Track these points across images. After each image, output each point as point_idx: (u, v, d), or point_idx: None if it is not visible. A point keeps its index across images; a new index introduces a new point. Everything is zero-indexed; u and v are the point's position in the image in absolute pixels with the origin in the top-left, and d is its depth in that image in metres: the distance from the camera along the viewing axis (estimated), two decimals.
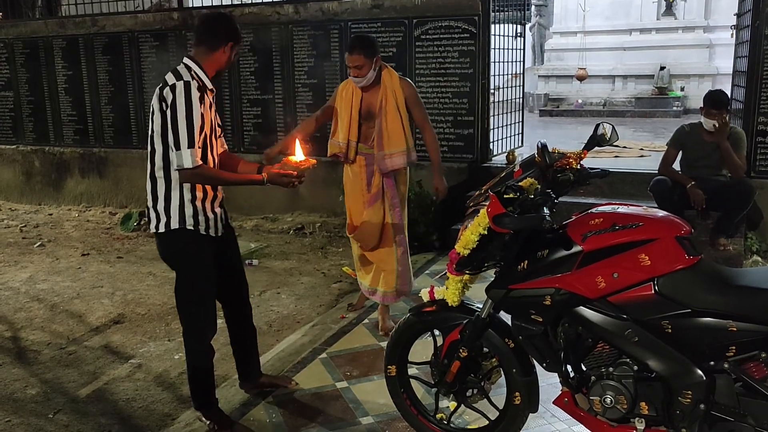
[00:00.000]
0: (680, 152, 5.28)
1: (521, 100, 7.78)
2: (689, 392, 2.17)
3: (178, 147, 2.79)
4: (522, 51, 7.69)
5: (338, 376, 3.65)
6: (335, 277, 5.64)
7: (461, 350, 2.67)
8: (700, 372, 2.16)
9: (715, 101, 5.00)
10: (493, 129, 6.91)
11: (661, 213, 2.39)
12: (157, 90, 2.87)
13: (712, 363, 2.17)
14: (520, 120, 7.68)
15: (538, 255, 2.39)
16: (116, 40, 8.17)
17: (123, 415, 3.54)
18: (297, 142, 3.01)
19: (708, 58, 13.63)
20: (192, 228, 2.96)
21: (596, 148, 2.63)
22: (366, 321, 4.43)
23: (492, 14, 6.60)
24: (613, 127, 2.59)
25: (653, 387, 2.25)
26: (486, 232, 2.41)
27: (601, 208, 2.41)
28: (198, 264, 3.05)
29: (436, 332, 2.89)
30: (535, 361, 2.58)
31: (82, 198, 8.71)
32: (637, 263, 2.21)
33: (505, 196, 2.34)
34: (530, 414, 2.71)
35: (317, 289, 5.39)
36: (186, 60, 2.96)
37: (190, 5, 8.71)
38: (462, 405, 2.82)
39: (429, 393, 3.15)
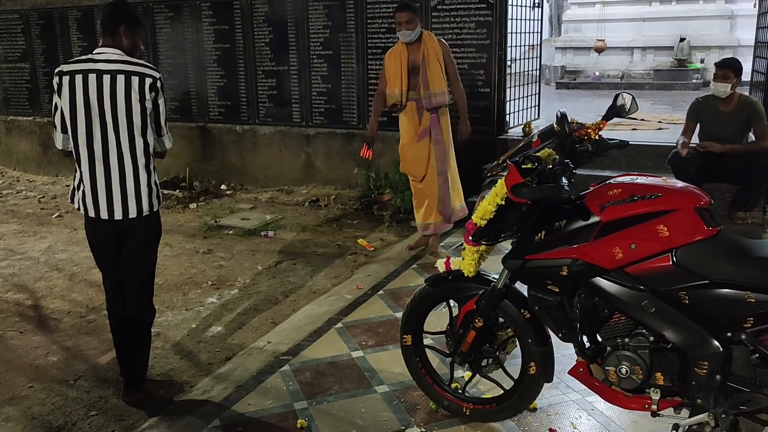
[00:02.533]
0: (698, 124, 5.23)
1: (538, 72, 7.70)
2: (705, 363, 2.17)
3: (168, 130, 3.19)
4: (539, 22, 7.58)
5: (354, 346, 3.68)
6: (350, 249, 5.66)
7: (477, 320, 2.69)
8: (716, 343, 2.16)
9: (720, 62, 4.99)
10: (510, 101, 6.85)
11: (681, 184, 2.37)
12: (144, 80, 2.99)
13: (729, 334, 2.16)
14: (537, 92, 7.62)
15: (556, 225, 2.38)
16: None
17: None
18: None
19: (729, 29, 13.37)
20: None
21: (613, 121, 2.60)
22: (381, 292, 4.45)
23: None
24: (633, 97, 2.56)
25: (669, 358, 2.25)
26: (503, 203, 2.41)
27: (619, 179, 2.40)
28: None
29: (452, 302, 2.90)
30: (550, 331, 2.59)
31: None
32: (656, 234, 2.20)
33: (523, 166, 2.33)
34: (545, 384, 2.73)
35: (332, 260, 5.41)
36: (117, 51, 3.04)
37: None
38: (477, 374, 2.85)
39: (444, 362, 3.19)
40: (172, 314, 4.47)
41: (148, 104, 3.02)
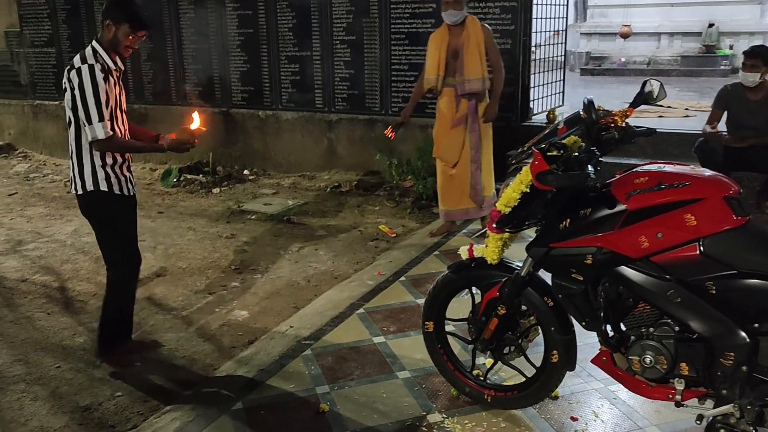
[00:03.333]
0: (725, 113, 5.14)
1: (562, 58, 7.62)
2: (732, 354, 2.15)
3: (90, 121, 3.22)
4: (565, 7, 7.49)
5: (375, 331, 3.69)
6: (372, 235, 5.67)
7: (500, 308, 2.68)
8: (743, 334, 2.14)
9: (748, 51, 4.90)
10: (534, 87, 6.78)
11: (709, 172, 2.34)
12: (65, 72, 3.29)
13: (756, 325, 2.13)
14: (561, 78, 7.53)
15: (581, 213, 2.36)
16: None
17: (166, 364, 3.65)
18: (195, 112, 3.48)
19: (759, 14, 13.08)
20: (106, 189, 3.38)
21: (639, 108, 2.56)
22: (402, 278, 4.46)
23: None
24: (661, 84, 2.51)
25: (694, 348, 2.23)
26: (528, 190, 2.39)
27: (646, 167, 2.37)
28: (113, 218, 3.50)
29: (475, 290, 2.90)
30: (573, 319, 2.58)
31: None
32: (683, 223, 2.17)
33: (548, 153, 2.31)
34: (567, 372, 2.72)
35: (354, 246, 5.43)
36: (93, 43, 3.34)
37: None
38: (499, 362, 2.85)
39: (466, 349, 3.19)
40: (195, 298, 4.52)
41: (68, 93, 3.27)
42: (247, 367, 3.40)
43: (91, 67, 3.20)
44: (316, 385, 3.16)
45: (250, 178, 7.87)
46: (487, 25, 5.14)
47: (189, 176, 7.78)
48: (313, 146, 7.69)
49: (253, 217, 6.32)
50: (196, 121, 3.46)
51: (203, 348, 3.82)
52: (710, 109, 5.31)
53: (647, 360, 2.29)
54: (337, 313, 3.95)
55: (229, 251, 5.39)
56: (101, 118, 3.21)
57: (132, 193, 3.53)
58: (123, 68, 3.48)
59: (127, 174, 3.49)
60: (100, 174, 3.35)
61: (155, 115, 8.51)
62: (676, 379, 2.29)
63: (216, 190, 7.37)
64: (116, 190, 3.41)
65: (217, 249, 5.44)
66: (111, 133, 3.26)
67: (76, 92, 3.22)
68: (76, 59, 3.27)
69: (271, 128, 7.92)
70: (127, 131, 3.50)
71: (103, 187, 3.37)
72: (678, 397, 2.29)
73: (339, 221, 6.13)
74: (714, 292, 2.15)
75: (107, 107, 3.24)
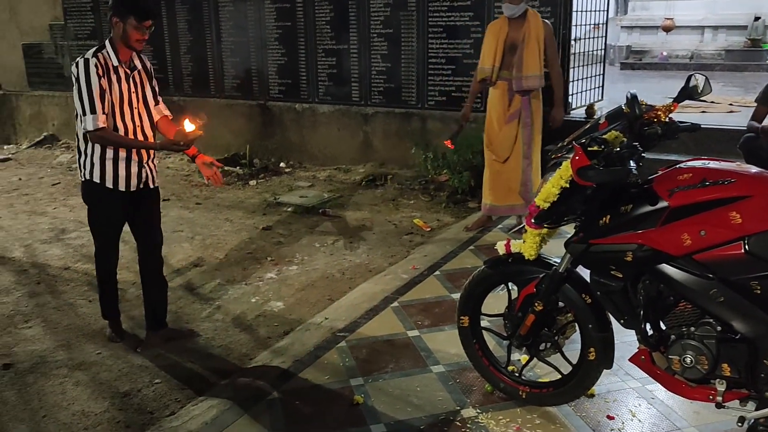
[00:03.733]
0: None
1: (602, 51, 7.49)
2: None
3: (84, 113, 3.30)
4: None
5: (410, 325, 3.70)
6: (406, 229, 5.67)
7: (536, 304, 2.66)
8: None
9: None
10: (573, 81, 6.69)
11: (755, 169, 2.27)
12: (71, 66, 3.43)
13: None
14: (601, 73, 7.42)
15: (622, 210, 2.33)
16: None
17: (203, 353, 3.71)
18: (187, 120, 3.44)
19: None
20: (98, 181, 3.46)
21: (682, 103, 2.50)
22: (437, 273, 4.45)
23: None
24: (706, 78, 2.46)
25: (737, 348, 2.18)
26: (568, 185, 2.36)
27: (690, 163, 2.32)
28: (101, 210, 3.60)
29: (511, 285, 2.88)
30: (611, 317, 2.54)
31: None
32: (727, 221, 2.12)
33: (589, 148, 2.28)
34: (604, 370, 2.69)
35: (389, 239, 5.43)
36: (105, 40, 3.43)
37: None
38: (534, 358, 2.83)
39: (501, 345, 3.18)
40: (232, 288, 4.57)
41: (73, 86, 3.35)
42: (282, 357, 3.44)
43: (86, 61, 3.29)
44: (351, 377, 3.17)
45: (287, 170, 7.92)
46: (548, 22, 5.06)
47: (226, 168, 7.85)
48: (349, 139, 7.71)
49: (289, 209, 6.37)
50: (188, 125, 3.39)
51: (239, 338, 3.87)
52: (755, 104, 5.17)
53: (688, 360, 2.25)
54: (372, 306, 3.96)
55: (266, 243, 5.44)
56: (93, 111, 3.27)
57: (131, 189, 3.52)
58: (140, 66, 3.51)
59: (135, 169, 3.50)
60: (97, 166, 3.44)
61: (194, 108, 8.61)
62: (717, 379, 2.25)
63: (253, 183, 7.45)
64: (108, 184, 3.47)
65: (254, 241, 5.50)
66: (102, 126, 3.30)
67: (75, 84, 3.31)
68: (80, 56, 3.35)
69: (307, 121, 7.96)
70: (141, 128, 3.51)
71: (96, 178, 3.46)
72: (719, 398, 2.25)
73: (374, 214, 6.14)
74: (759, 291, 2.10)
75: (102, 101, 3.29)
